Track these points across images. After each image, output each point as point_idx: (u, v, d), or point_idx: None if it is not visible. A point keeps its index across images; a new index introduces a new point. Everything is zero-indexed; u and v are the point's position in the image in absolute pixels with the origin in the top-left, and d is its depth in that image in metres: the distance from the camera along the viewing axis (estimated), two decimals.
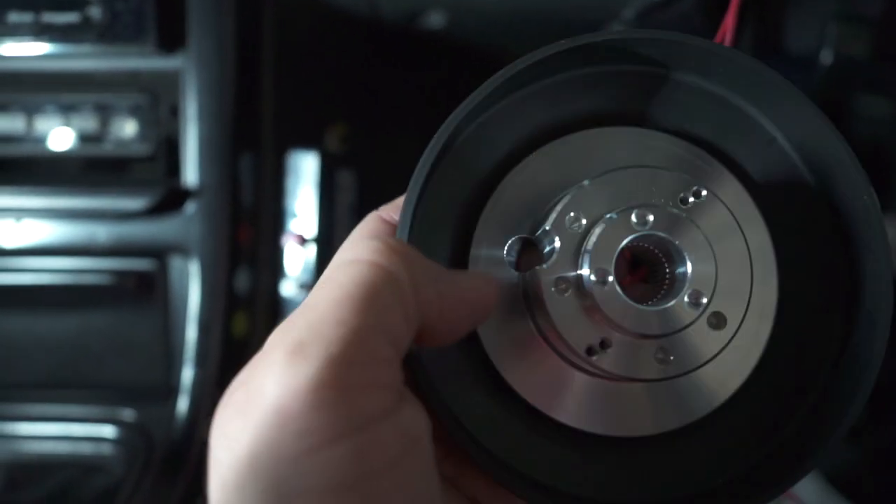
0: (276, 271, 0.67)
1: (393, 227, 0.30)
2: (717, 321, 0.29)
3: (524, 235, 0.31)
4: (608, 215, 0.29)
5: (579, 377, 0.31)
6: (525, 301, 0.31)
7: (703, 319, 0.29)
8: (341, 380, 0.23)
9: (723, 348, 0.29)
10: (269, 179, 0.66)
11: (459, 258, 0.31)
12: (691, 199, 0.29)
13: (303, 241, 0.65)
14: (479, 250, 0.31)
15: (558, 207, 0.29)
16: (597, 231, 0.29)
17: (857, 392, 0.29)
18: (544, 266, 0.29)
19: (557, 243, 0.29)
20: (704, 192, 0.29)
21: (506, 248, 0.31)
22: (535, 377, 0.31)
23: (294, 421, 0.22)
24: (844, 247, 0.32)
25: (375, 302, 0.24)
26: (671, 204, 0.29)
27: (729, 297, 0.29)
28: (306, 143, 0.68)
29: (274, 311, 0.67)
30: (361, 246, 0.26)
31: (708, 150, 0.32)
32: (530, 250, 0.31)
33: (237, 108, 0.62)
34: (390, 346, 0.24)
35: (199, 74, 0.61)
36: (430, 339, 0.27)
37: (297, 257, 0.67)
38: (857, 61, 0.63)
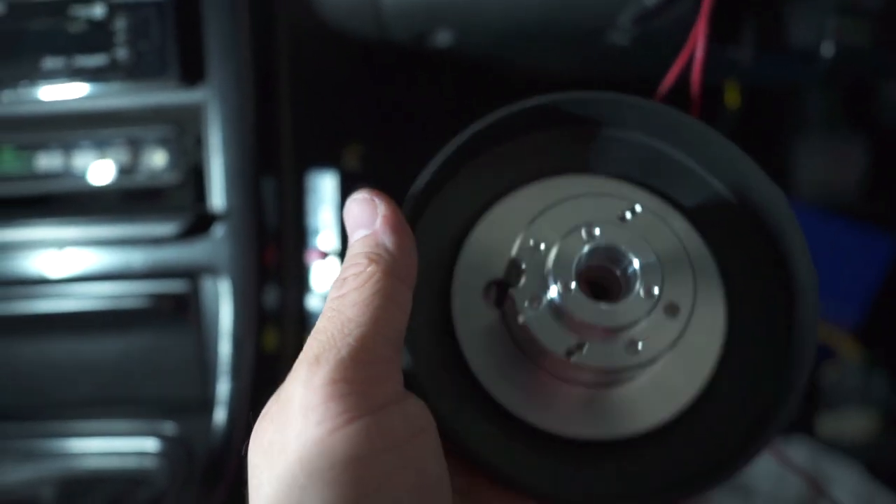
0: (302, 287, 0.70)
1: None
2: (672, 309, 0.34)
3: (497, 278, 0.36)
4: (562, 237, 0.34)
5: (566, 389, 0.35)
6: (509, 333, 0.36)
7: (660, 309, 0.34)
8: (351, 375, 0.29)
9: (681, 333, 0.33)
10: (291, 200, 0.69)
11: (441, 310, 0.36)
12: (628, 215, 0.35)
13: (324, 255, 0.68)
14: (459, 299, 0.36)
15: (518, 241, 0.35)
16: (554, 251, 0.34)
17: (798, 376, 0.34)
18: (518, 287, 0.34)
19: (524, 267, 0.35)
20: (638, 207, 0.35)
21: (482, 291, 0.36)
22: (530, 397, 0.35)
23: (314, 412, 0.28)
24: (772, 247, 0.38)
25: (372, 312, 0.30)
26: (612, 220, 0.35)
27: (677, 288, 0.34)
28: (325, 163, 0.71)
29: (302, 324, 0.70)
30: (344, 282, 0.32)
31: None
32: (503, 289, 0.36)
33: (258, 135, 0.66)
34: (390, 345, 0.30)
35: (221, 105, 0.65)
36: (414, 281, 0.33)
37: (321, 272, 0.70)
38: (859, 52, 0.64)
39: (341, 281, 0.32)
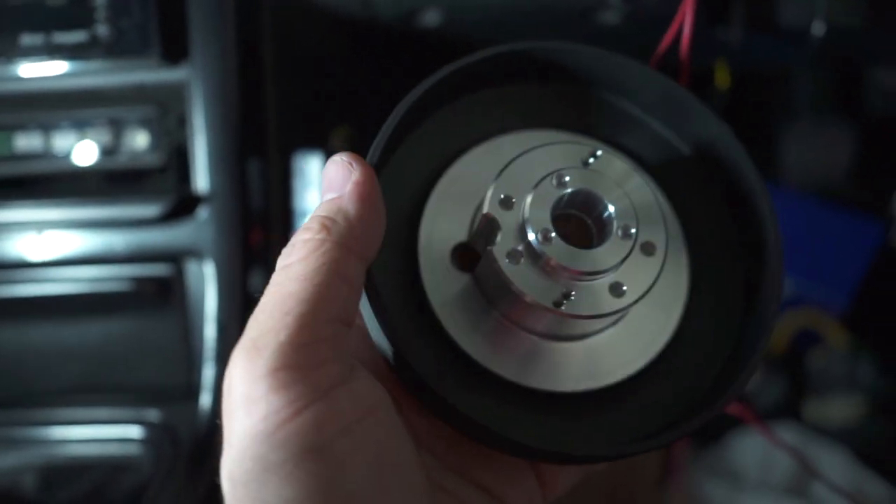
0: None
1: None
2: (649, 248, 0.34)
3: (462, 241, 0.35)
4: (533, 186, 0.33)
5: (547, 345, 0.35)
6: (483, 295, 0.35)
7: (637, 249, 0.33)
8: (292, 361, 0.27)
9: (660, 272, 0.34)
10: (277, 182, 0.68)
11: (408, 277, 0.35)
12: (591, 160, 0.35)
13: None
14: (427, 267, 0.35)
15: (489, 197, 0.34)
16: (528, 201, 0.33)
17: (763, 332, 0.34)
18: (494, 245, 0.33)
19: (501, 221, 0.33)
20: (600, 152, 0.35)
21: (448, 255, 0.35)
22: (514, 357, 0.35)
23: (257, 406, 0.26)
24: (730, 192, 0.38)
25: (314, 288, 0.28)
26: (579, 166, 0.34)
27: (650, 227, 0.34)
28: (312, 144, 0.70)
29: None
30: (291, 249, 0.30)
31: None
32: (469, 252, 0.35)
33: (242, 115, 0.65)
34: (334, 323, 0.28)
35: (204, 84, 0.63)
36: (373, 255, 0.31)
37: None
38: (850, 32, 0.63)
39: (290, 247, 0.30)
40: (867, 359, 1.08)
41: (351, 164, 0.31)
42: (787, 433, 1.00)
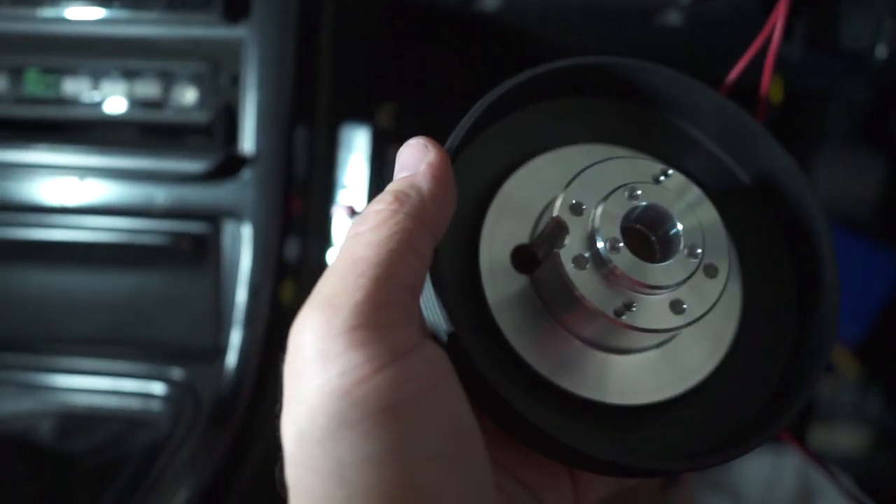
0: (325, 241, 0.68)
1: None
2: (711, 271, 0.34)
3: (523, 242, 0.36)
4: (605, 196, 0.34)
5: (599, 356, 0.35)
6: (540, 299, 0.35)
7: (701, 270, 0.34)
8: (370, 321, 0.27)
9: (721, 294, 0.34)
10: (323, 151, 0.67)
11: (469, 268, 0.35)
12: (662, 178, 0.35)
13: (353, 212, 0.67)
14: (486, 259, 0.35)
15: (560, 199, 0.34)
16: (599, 210, 0.34)
17: (818, 358, 0.35)
18: (562, 248, 0.33)
19: (570, 226, 0.34)
20: (671, 171, 0.35)
21: (508, 256, 0.36)
22: (563, 362, 0.35)
23: (335, 362, 0.26)
24: (788, 229, 0.39)
25: (387, 255, 0.28)
26: (650, 181, 0.35)
27: (714, 251, 0.34)
28: (359, 118, 0.70)
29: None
30: (364, 218, 0.30)
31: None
32: (529, 255, 0.36)
33: (296, 80, 0.64)
34: (406, 290, 0.29)
35: (261, 45, 0.63)
36: (442, 234, 0.32)
37: (345, 228, 0.68)
38: None
39: (363, 217, 0.30)
40: (876, 392, 1.08)
41: (426, 147, 0.32)
42: (791, 457, 0.99)
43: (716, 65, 0.49)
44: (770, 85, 0.77)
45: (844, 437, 1.07)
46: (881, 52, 0.63)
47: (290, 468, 0.27)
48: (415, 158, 0.31)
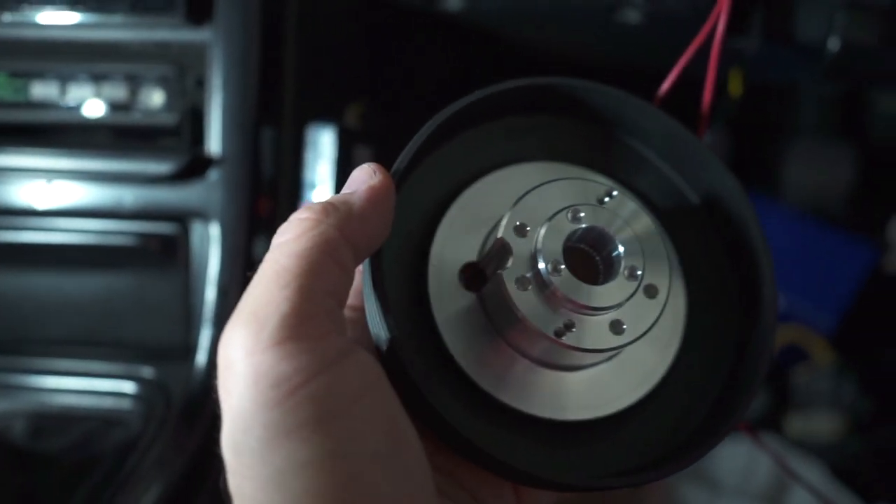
0: None
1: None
2: (652, 291, 0.35)
3: (472, 260, 0.37)
4: (548, 218, 0.35)
5: (541, 372, 0.36)
6: (486, 315, 0.36)
7: (641, 290, 0.34)
8: (298, 332, 0.27)
9: (660, 314, 0.35)
10: (289, 151, 0.68)
11: (418, 285, 0.36)
12: (606, 199, 0.36)
13: None
14: (434, 281, 0.36)
15: (504, 222, 0.35)
16: (542, 232, 0.34)
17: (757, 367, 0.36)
18: (505, 269, 0.34)
19: (514, 247, 0.34)
20: (615, 192, 0.36)
21: (457, 273, 0.36)
22: (507, 379, 0.36)
23: (267, 375, 0.26)
24: (729, 241, 0.40)
25: (308, 266, 0.28)
26: (594, 203, 0.36)
27: (655, 271, 0.35)
28: (326, 118, 0.70)
29: None
30: (283, 228, 0.30)
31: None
32: (477, 273, 0.36)
33: (260, 81, 0.65)
34: (331, 298, 0.29)
35: (225, 47, 0.64)
36: (368, 252, 0.32)
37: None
38: (865, 49, 0.64)
39: (287, 224, 0.30)
40: (850, 378, 1.10)
41: (374, 172, 0.32)
42: (768, 444, 1.01)
43: (676, 60, 0.50)
44: (729, 79, 0.78)
45: (820, 424, 1.08)
46: (833, 44, 0.64)
47: (231, 478, 0.28)
48: (360, 180, 0.32)
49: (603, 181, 0.38)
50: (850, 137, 1.18)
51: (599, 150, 0.41)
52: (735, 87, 0.75)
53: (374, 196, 0.32)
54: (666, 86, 0.43)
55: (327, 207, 0.30)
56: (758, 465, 1.01)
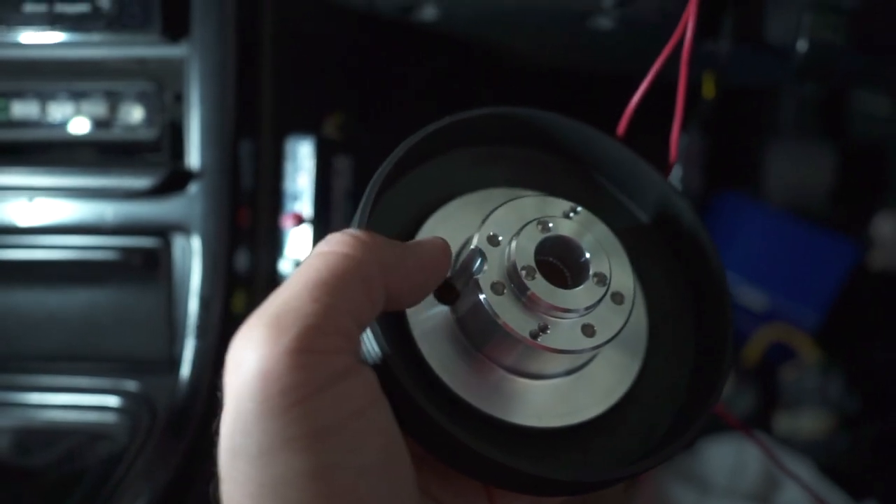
0: (275, 251, 0.70)
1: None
2: (618, 298, 0.37)
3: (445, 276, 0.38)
4: (519, 229, 0.37)
5: (516, 381, 0.38)
6: (461, 328, 0.38)
7: (609, 296, 0.36)
8: (314, 346, 0.28)
9: (627, 319, 0.37)
10: (269, 163, 0.69)
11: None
12: (572, 214, 0.38)
13: (300, 221, 0.68)
14: None
15: (479, 232, 0.37)
16: (514, 241, 0.36)
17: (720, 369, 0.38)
18: (480, 275, 0.36)
19: (487, 256, 0.37)
20: (579, 209, 0.39)
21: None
22: (482, 389, 0.37)
23: (277, 381, 0.27)
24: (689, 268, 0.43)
25: (342, 285, 0.29)
26: (561, 216, 0.38)
27: (620, 280, 0.37)
28: (305, 129, 0.71)
29: (272, 288, 0.69)
30: (333, 239, 0.31)
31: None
32: (449, 289, 0.38)
33: (238, 95, 0.66)
34: (353, 321, 0.30)
35: (202, 63, 0.65)
36: (398, 304, 0.33)
37: (294, 238, 0.70)
38: (832, 50, 0.65)
39: (339, 235, 0.31)
40: (837, 375, 1.11)
41: (443, 251, 0.35)
42: (761, 441, 1.01)
43: (649, 65, 0.51)
44: (703, 82, 0.79)
45: (808, 422, 1.09)
46: (801, 46, 0.65)
47: (225, 484, 0.28)
48: (430, 247, 0.34)
49: (566, 201, 0.41)
50: (831, 136, 1.20)
51: (560, 176, 0.44)
52: (708, 90, 0.76)
53: (430, 264, 0.34)
54: (636, 99, 0.45)
55: (383, 242, 0.32)
56: (747, 463, 1.02)
